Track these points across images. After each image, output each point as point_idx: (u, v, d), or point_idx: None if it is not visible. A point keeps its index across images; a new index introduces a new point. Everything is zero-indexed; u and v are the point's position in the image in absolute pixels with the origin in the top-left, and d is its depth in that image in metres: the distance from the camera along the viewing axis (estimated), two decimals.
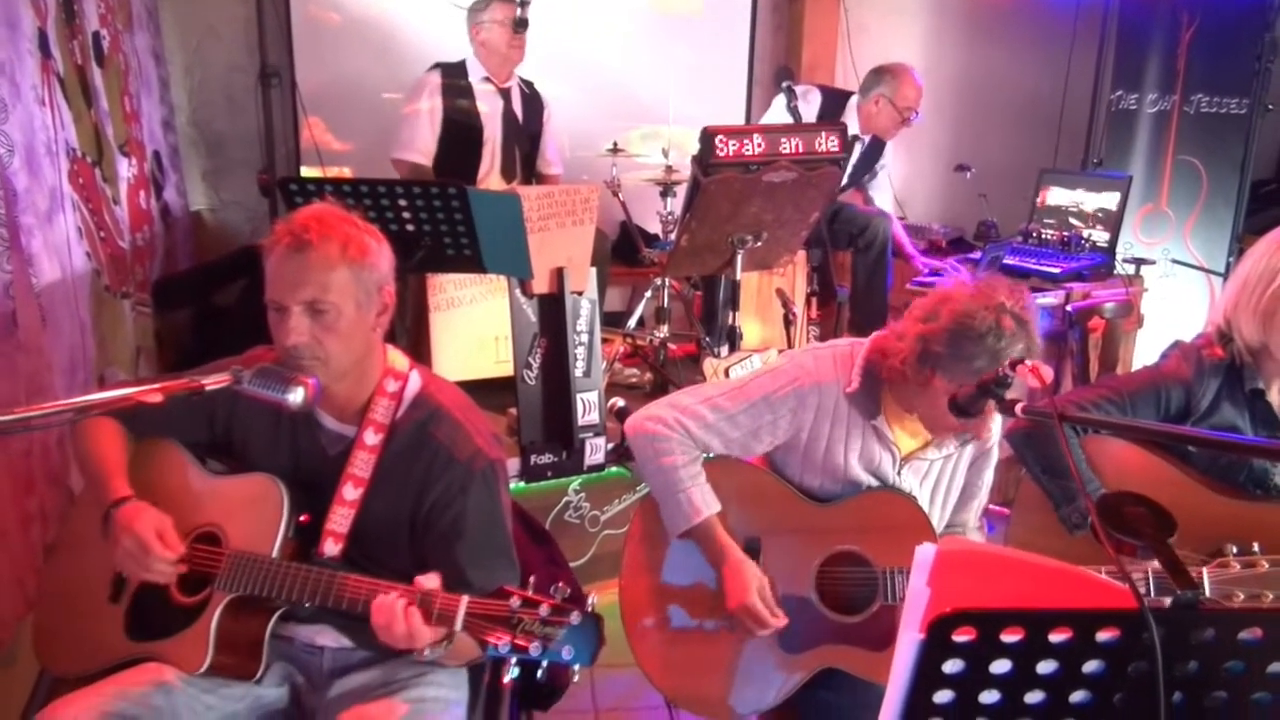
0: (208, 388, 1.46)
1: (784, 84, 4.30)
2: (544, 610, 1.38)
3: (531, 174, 4.09)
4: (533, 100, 4.04)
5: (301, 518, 1.66)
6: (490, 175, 3.91)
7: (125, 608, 1.73)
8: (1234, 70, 4.99)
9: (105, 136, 3.29)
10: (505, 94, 3.93)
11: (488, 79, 3.87)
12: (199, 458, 1.80)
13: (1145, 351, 4.41)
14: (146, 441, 1.81)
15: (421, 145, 3.82)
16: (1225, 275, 4.67)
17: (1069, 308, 3.96)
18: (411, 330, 3.42)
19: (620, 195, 4.10)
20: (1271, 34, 4.90)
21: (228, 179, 4.70)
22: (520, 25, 3.74)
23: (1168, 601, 1.00)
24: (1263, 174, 5.83)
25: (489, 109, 3.88)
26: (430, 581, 1.48)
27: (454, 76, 3.86)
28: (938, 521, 1.99)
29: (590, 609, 1.39)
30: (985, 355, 1.67)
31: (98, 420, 1.77)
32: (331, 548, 1.65)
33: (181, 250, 4.33)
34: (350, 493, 1.66)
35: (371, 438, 1.67)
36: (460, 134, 3.85)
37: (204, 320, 4.00)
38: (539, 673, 1.38)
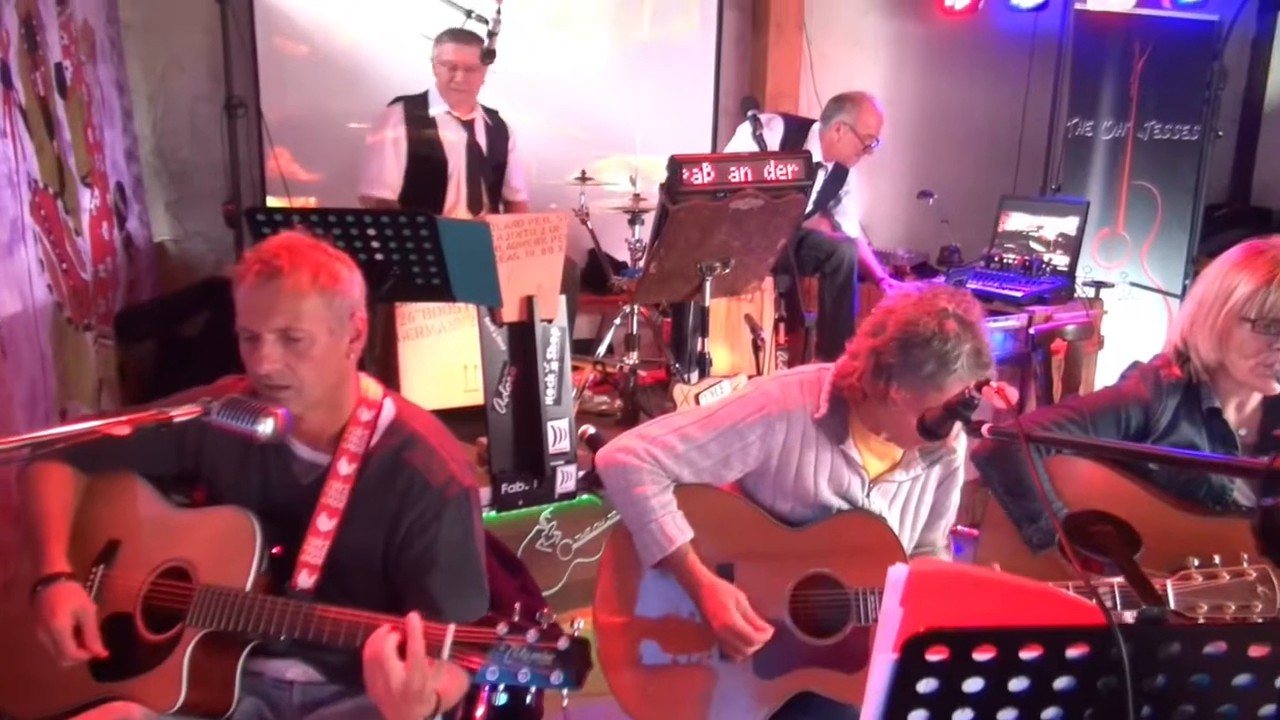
0: (176, 419, 1.45)
1: (749, 113, 4.36)
2: (531, 636, 1.37)
3: (498, 203, 4.10)
4: (497, 129, 4.05)
5: (274, 550, 1.64)
6: (457, 207, 3.91)
7: None
8: (1185, 98, 5.15)
9: (68, 168, 3.26)
10: (469, 125, 3.94)
11: (450, 111, 3.89)
12: (163, 491, 1.77)
13: (1106, 372, 4.49)
14: (109, 476, 1.78)
15: (389, 180, 3.82)
16: (1181, 297, 4.78)
17: (1032, 330, 4.03)
18: (380, 359, 3.40)
19: (589, 223, 4.12)
20: (1220, 63, 5.06)
21: (192, 209, 4.66)
22: (487, 56, 3.76)
23: (1129, 616, 1.01)
24: (1215, 198, 5.99)
25: (452, 141, 3.89)
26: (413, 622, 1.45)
27: (416, 109, 3.87)
28: (907, 542, 2.01)
29: (577, 633, 1.38)
30: (934, 360, 1.71)
31: (47, 467, 1.73)
32: (306, 580, 1.63)
33: (145, 281, 4.28)
34: (325, 523, 1.65)
35: (345, 467, 1.66)
36: (424, 167, 3.86)
37: (168, 352, 3.96)
38: (528, 698, 1.37)
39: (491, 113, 4.07)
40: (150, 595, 1.66)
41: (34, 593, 1.62)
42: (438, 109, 3.88)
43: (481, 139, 3.98)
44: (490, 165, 4.01)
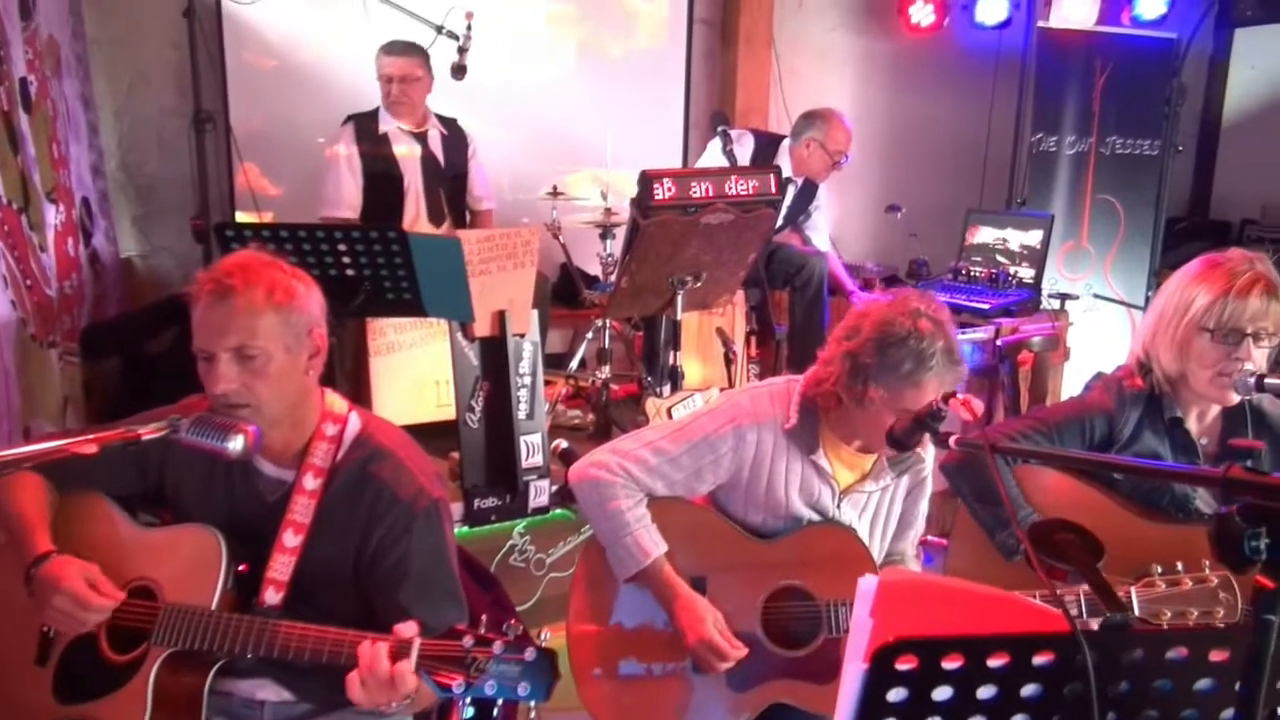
0: (144, 437, 1.44)
1: (719, 128, 4.39)
2: (498, 648, 1.37)
3: (461, 214, 4.08)
4: (454, 139, 4.01)
5: (240, 567, 1.63)
6: (418, 221, 3.89)
7: (53, 669, 1.67)
8: (1145, 113, 5.26)
9: (32, 183, 3.22)
10: (421, 137, 3.91)
11: (400, 126, 3.87)
12: (128, 510, 1.75)
13: (1073, 383, 4.55)
14: (72, 495, 1.75)
15: (347, 200, 3.80)
16: (1144, 308, 4.85)
17: (999, 342, 4.07)
18: (351, 375, 3.38)
19: (560, 238, 4.12)
20: (1178, 79, 5.18)
21: (159, 225, 4.62)
22: (458, 72, 3.76)
23: (1095, 624, 1.03)
24: (1176, 211, 6.12)
25: (406, 155, 3.87)
26: (408, 630, 1.45)
27: (366, 125, 3.85)
28: (877, 552, 2.02)
29: (544, 644, 1.38)
30: (911, 358, 1.75)
31: (19, 475, 1.71)
32: (272, 596, 1.62)
33: (111, 297, 4.23)
34: (291, 539, 1.64)
35: (311, 482, 1.65)
36: (381, 184, 3.84)
37: (134, 369, 3.91)
38: (494, 710, 1.37)
39: (449, 122, 4.04)
40: (115, 615, 1.64)
41: (29, 578, 1.60)
42: (388, 124, 3.86)
43: (437, 150, 3.95)
44: (448, 176, 3.98)
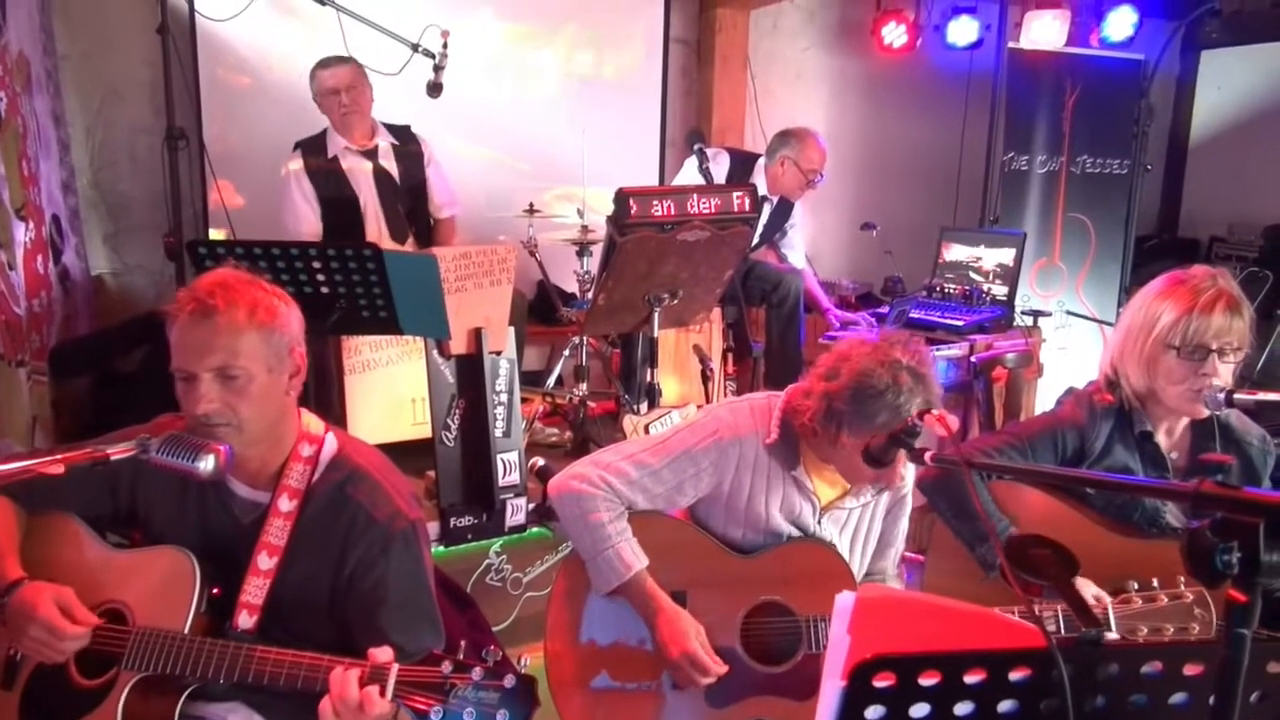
0: (113, 457, 1.42)
1: (695, 146, 4.41)
2: (477, 674, 1.35)
3: (425, 227, 4.03)
4: (405, 149, 3.95)
5: (214, 591, 1.61)
6: (380, 240, 3.83)
7: (19, 694, 1.63)
8: (1115, 133, 5.35)
9: (1, 201, 3.18)
10: (372, 153, 3.86)
11: (349, 145, 3.83)
12: (99, 532, 1.72)
13: (1046, 398, 4.60)
14: (41, 516, 1.72)
15: (307, 230, 3.77)
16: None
17: (973, 359, 4.11)
18: (326, 393, 3.35)
19: (537, 255, 4.12)
20: (1146, 100, 5.27)
21: (131, 242, 4.57)
22: (434, 90, 3.76)
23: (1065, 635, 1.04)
24: (1145, 229, 6.22)
25: (357, 174, 3.83)
26: (383, 655, 1.43)
27: (314, 151, 3.81)
28: (857, 570, 2.03)
29: (524, 670, 1.37)
30: (886, 411, 1.75)
31: None
32: (246, 620, 1.59)
33: (82, 316, 4.17)
34: (265, 562, 1.61)
35: (286, 504, 1.63)
36: (337, 208, 3.80)
37: (104, 388, 3.85)
38: None
39: (400, 130, 3.97)
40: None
41: (0, 607, 1.57)
42: (336, 146, 3.82)
43: (390, 164, 3.89)
44: (405, 189, 3.92)
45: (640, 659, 1.92)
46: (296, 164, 3.79)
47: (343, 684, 1.40)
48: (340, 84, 3.75)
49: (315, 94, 3.81)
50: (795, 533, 1.96)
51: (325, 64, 3.77)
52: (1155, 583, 1.74)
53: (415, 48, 3.71)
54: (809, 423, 1.84)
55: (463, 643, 1.41)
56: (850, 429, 1.78)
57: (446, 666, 1.37)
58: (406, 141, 3.97)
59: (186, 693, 1.58)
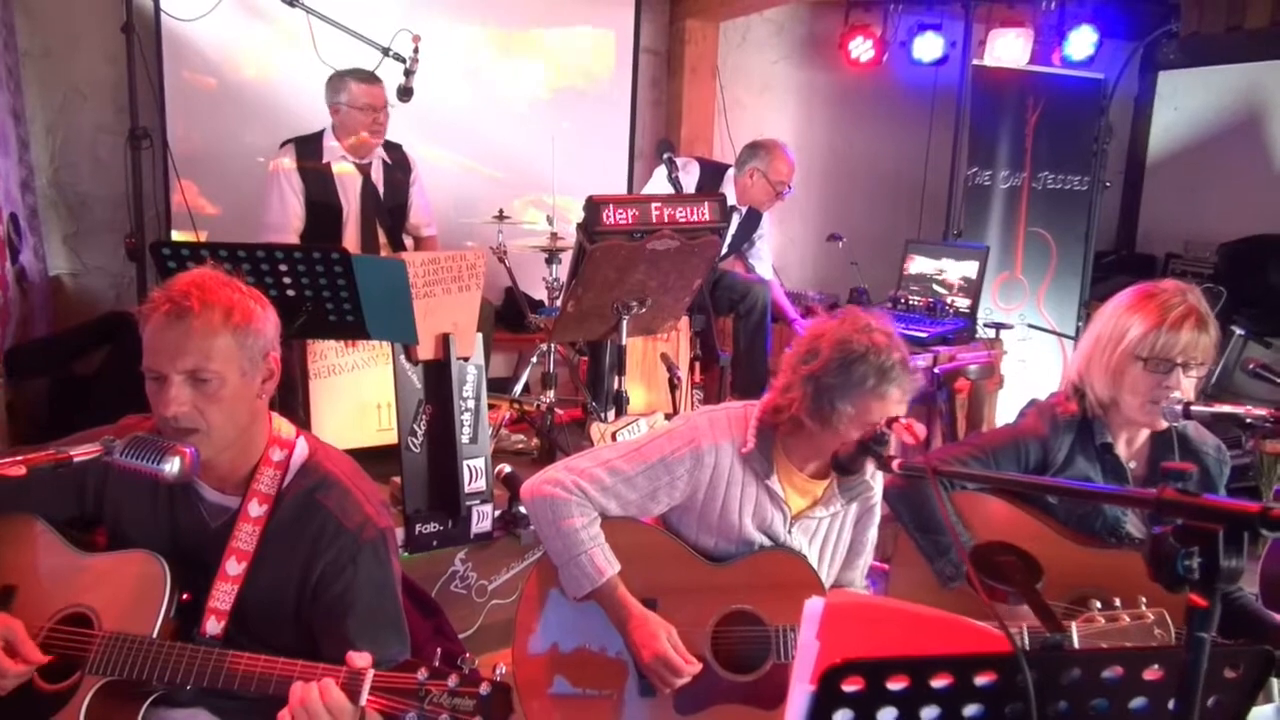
0: (76, 459, 1.39)
1: (665, 155, 4.44)
2: (452, 681, 1.35)
3: (397, 245, 4.01)
4: (397, 167, 3.96)
5: (183, 595, 1.58)
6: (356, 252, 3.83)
7: None
8: (1075, 150, 5.46)
9: None
10: (364, 166, 3.86)
11: (345, 155, 3.82)
12: (67, 535, 1.69)
13: (1006, 410, 4.67)
14: (5, 518, 1.69)
15: (294, 224, 3.75)
16: (1076, 338, 5.01)
17: (936, 370, 4.15)
18: (290, 398, 3.32)
19: (506, 261, 4.11)
20: (1106, 118, 5.39)
21: (91, 243, 4.49)
22: (404, 94, 3.74)
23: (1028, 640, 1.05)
24: (1104, 245, 6.35)
25: (347, 185, 3.82)
26: (360, 660, 1.42)
27: (308, 151, 3.79)
28: (826, 579, 2.04)
29: (499, 678, 1.36)
30: (873, 372, 1.78)
31: None
32: (214, 626, 1.57)
33: (39, 317, 4.10)
34: (234, 567, 1.59)
35: (256, 509, 1.61)
36: (319, 212, 3.79)
37: (62, 390, 3.78)
38: None
39: (394, 148, 3.99)
40: (46, 643, 1.58)
41: None
42: (332, 153, 3.81)
43: (378, 180, 3.90)
44: (388, 208, 3.93)
45: (602, 666, 1.92)
46: (289, 161, 3.76)
47: (304, 693, 1.39)
48: (378, 103, 3.74)
49: (341, 102, 3.76)
50: (767, 542, 1.98)
51: (362, 78, 3.74)
52: (1118, 602, 1.77)
53: (386, 51, 3.70)
54: (798, 414, 1.85)
55: (438, 650, 1.40)
56: (843, 398, 1.80)
57: (422, 673, 1.36)
58: (399, 160, 3.99)
59: (151, 699, 1.56)
